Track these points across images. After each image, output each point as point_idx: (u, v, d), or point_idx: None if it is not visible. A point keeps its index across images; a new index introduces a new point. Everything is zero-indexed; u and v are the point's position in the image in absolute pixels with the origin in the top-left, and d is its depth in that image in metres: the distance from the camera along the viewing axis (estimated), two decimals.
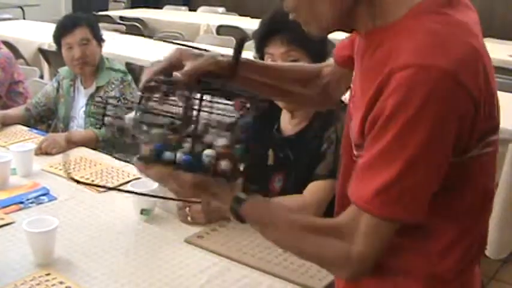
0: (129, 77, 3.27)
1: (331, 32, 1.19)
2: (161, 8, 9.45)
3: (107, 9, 10.12)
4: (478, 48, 1.05)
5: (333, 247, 1.13)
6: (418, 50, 1.01)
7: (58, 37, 3.22)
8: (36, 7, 9.80)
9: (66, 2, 11.41)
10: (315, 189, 2.08)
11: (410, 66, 1.00)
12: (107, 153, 2.87)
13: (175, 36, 6.73)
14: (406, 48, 1.02)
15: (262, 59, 2.13)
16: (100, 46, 3.27)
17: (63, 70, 3.40)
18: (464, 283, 1.23)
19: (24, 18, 9.20)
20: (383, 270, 1.18)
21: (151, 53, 5.25)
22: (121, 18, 8.02)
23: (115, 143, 3.08)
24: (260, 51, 2.15)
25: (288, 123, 2.24)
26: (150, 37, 7.14)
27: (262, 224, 1.23)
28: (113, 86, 3.17)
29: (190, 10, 9.55)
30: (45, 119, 3.47)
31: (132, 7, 10.39)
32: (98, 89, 3.21)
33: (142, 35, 7.09)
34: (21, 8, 9.79)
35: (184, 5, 10.06)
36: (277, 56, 2.09)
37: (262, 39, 2.13)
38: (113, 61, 3.36)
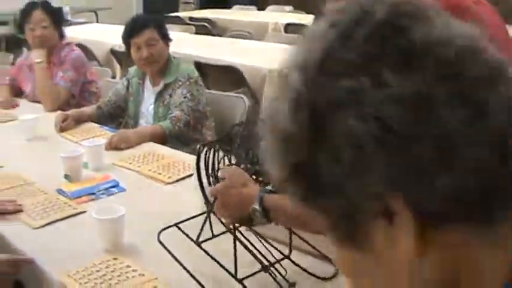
0: (196, 74, 3.34)
1: None
2: (230, 8, 9.58)
3: (177, 11, 10.34)
4: None
5: None
6: None
7: (127, 38, 3.33)
8: (108, 10, 10.11)
9: (138, 5, 11.71)
10: None
11: None
12: (173, 148, 2.96)
13: (244, 35, 6.81)
14: None
15: None
16: (167, 45, 3.36)
17: (132, 69, 3.52)
18: None
19: (97, 22, 9.50)
20: None
21: (219, 51, 5.35)
22: (190, 18, 8.18)
23: (181, 138, 3.18)
24: None
25: None
26: (220, 35, 7.26)
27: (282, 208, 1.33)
28: (180, 83, 3.25)
29: (258, 9, 9.63)
30: (115, 116, 3.60)
31: (201, 8, 10.58)
32: (165, 86, 3.32)
33: (212, 35, 7.22)
34: (94, 12, 10.12)
35: (252, 4, 10.16)
36: None
37: None
38: (179, 59, 3.45)
